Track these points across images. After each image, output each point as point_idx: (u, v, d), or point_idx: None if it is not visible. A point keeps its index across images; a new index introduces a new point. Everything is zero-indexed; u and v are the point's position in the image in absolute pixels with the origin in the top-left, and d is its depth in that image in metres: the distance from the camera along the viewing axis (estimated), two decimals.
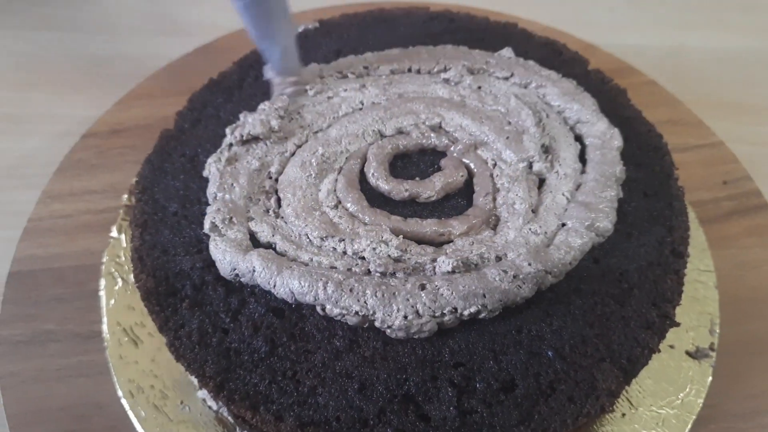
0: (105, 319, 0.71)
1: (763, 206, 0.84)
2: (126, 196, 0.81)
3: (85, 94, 1.06)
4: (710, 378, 0.68)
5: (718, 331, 0.72)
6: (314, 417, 0.53)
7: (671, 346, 0.70)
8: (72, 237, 0.80)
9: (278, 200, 0.64)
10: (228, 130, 0.68)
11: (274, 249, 0.60)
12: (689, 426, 0.65)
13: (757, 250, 0.80)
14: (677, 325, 0.60)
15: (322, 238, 0.60)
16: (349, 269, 0.57)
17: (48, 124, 1.01)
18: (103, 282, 0.74)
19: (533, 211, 0.62)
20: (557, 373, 0.56)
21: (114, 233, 0.78)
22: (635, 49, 1.14)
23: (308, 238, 0.60)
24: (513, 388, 0.55)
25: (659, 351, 0.59)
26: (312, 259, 0.58)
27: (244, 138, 0.66)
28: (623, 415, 0.66)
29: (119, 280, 0.74)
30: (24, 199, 0.86)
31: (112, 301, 0.73)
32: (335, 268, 0.57)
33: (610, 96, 0.78)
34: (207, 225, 0.60)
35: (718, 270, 0.77)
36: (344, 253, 0.59)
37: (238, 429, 0.64)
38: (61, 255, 0.78)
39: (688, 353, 0.70)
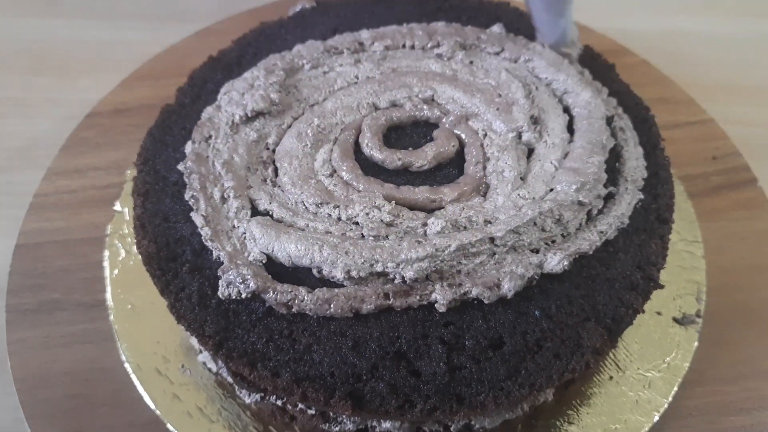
0: (109, 289, 0.74)
1: (752, 180, 0.86)
2: (129, 171, 0.83)
3: (88, 78, 1.08)
4: (696, 343, 0.71)
5: (704, 299, 0.74)
6: (309, 372, 0.55)
7: (658, 313, 0.72)
8: (77, 211, 0.82)
9: (275, 170, 0.66)
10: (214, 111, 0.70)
11: (272, 216, 0.62)
12: (675, 388, 0.67)
13: (744, 222, 0.82)
14: (661, 287, 0.62)
15: (317, 205, 0.62)
16: (344, 234, 0.59)
17: (53, 108, 1.04)
18: (107, 253, 0.77)
19: (522, 179, 0.64)
20: (544, 332, 0.58)
21: (117, 207, 0.81)
22: (629, 33, 1.16)
23: (304, 205, 0.62)
24: (501, 346, 0.57)
25: (643, 311, 0.61)
26: (308, 225, 0.60)
27: (249, 115, 0.68)
28: (611, 377, 0.69)
29: (122, 251, 0.77)
30: (31, 179, 0.88)
31: (116, 272, 0.75)
32: (330, 233, 0.59)
33: (599, 71, 0.79)
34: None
35: (707, 241, 0.79)
36: (339, 219, 0.61)
37: (236, 388, 0.66)
38: (67, 228, 0.81)
39: (675, 319, 0.72)
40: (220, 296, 0.57)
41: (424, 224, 0.60)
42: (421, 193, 0.63)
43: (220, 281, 0.57)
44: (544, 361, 0.57)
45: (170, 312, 0.59)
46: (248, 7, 1.10)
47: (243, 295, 0.56)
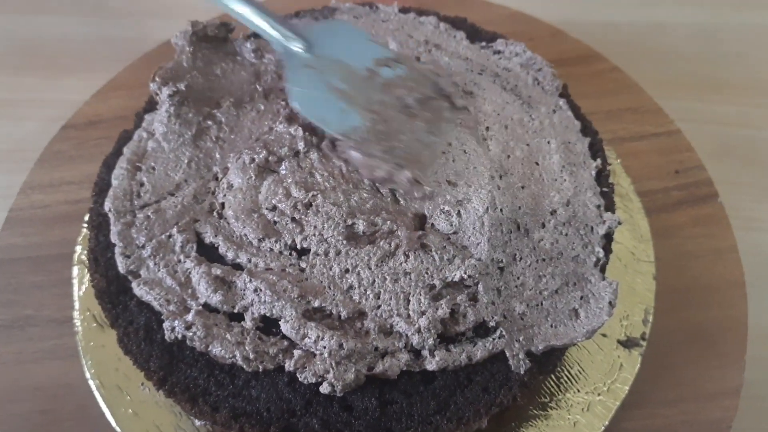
0: (77, 305, 0.77)
1: (713, 196, 0.86)
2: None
3: (76, 77, 1.11)
4: (638, 366, 0.72)
5: (651, 321, 0.75)
6: (246, 408, 0.59)
7: (604, 335, 0.74)
8: (50, 226, 0.85)
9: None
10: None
11: (217, 249, 0.64)
12: (613, 412, 0.70)
13: (701, 239, 0.83)
14: None
15: (259, 240, 0.64)
16: (283, 270, 0.62)
17: (41, 109, 1.06)
18: (75, 270, 0.80)
19: None
20: (474, 366, 0.60)
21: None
22: (613, 25, 1.15)
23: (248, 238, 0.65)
24: (432, 380, 0.60)
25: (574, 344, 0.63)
26: (250, 260, 0.63)
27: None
28: (551, 399, 0.71)
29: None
30: (16, 183, 0.91)
31: (83, 288, 0.78)
32: (270, 269, 0.62)
33: None
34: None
35: (660, 260, 0.80)
36: (281, 252, 0.64)
37: None
38: (40, 244, 0.84)
39: (619, 342, 0.74)
40: (167, 339, 0.60)
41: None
42: None
43: (164, 325, 0.60)
44: (472, 395, 0.60)
45: (119, 345, 0.63)
46: None
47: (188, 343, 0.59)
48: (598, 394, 0.71)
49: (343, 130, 0.67)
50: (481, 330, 0.61)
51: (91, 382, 0.72)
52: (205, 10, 1.11)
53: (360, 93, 0.70)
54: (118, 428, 0.69)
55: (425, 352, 0.59)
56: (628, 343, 0.74)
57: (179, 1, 1.24)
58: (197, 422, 0.67)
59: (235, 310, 0.61)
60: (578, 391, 0.71)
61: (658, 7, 1.19)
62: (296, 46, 0.71)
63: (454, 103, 0.70)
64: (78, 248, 0.81)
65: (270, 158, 0.68)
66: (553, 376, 0.72)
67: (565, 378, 0.72)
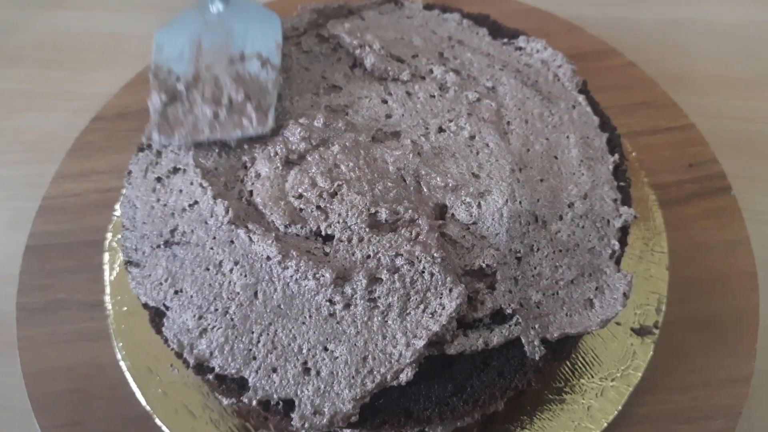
0: (108, 290, 0.81)
1: (726, 188, 0.88)
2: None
3: (102, 71, 1.14)
4: (651, 353, 0.74)
5: (664, 309, 0.77)
6: None
7: (617, 323, 0.76)
8: (81, 214, 0.89)
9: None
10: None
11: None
12: (626, 397, 0.72)
13: (713, 231, 0.85)
14: None
15: (285, 226, 0.67)
16: (309, 251, 0.65)
17: (68, 101, 1.10)
18: (106, 256, 0.83)
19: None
20: (491, 351, 0.63)
21: (117, 211, 0.86)
22: (628, 21, 1.17)
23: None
24: (450, 364, 0.63)
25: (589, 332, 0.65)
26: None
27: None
28: (566, 385, 0.73)
29: (120, 254, 0.83)
30: (46, 172, 0.95)
31: (114, 274, 0.82)
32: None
33: None
34: None
35: (673, 251, 0.82)
36: (306, 237, 0.66)
37: None
38: (72, 231, 0.87)
39: (632, 330, 0.76)
40: None
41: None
42: None
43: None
44: (489, 378, 0.62)
45: (150, 326, 0.66)
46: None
47: None
48: (612, 380, 0.73)
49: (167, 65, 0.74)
50: (498, 317, 0.63)
51: (122, 363, 0.75)
52: None
53: (208, 59, 0.75)
54: (148, 407, 0.72)
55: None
56: (641, 331, 0.76)
57: None
58: (225, 401, 0.70)
59: None
60: (592, 376, 0.73)
61: (672, 3, 1.21)
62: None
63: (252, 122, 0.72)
64: (109, 235, 0.84)
65: (290, 155, 0.70)
66: (568, 362, 0.74)
67: (580, 364, 0.74)
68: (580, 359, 0.74)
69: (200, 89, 0.73)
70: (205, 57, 0.75)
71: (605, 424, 0.70)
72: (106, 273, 0.82)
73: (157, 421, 0.72)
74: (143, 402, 0.73)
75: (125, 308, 0.79)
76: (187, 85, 0.73)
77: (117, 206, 0.87)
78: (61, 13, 1.24)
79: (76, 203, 0.90)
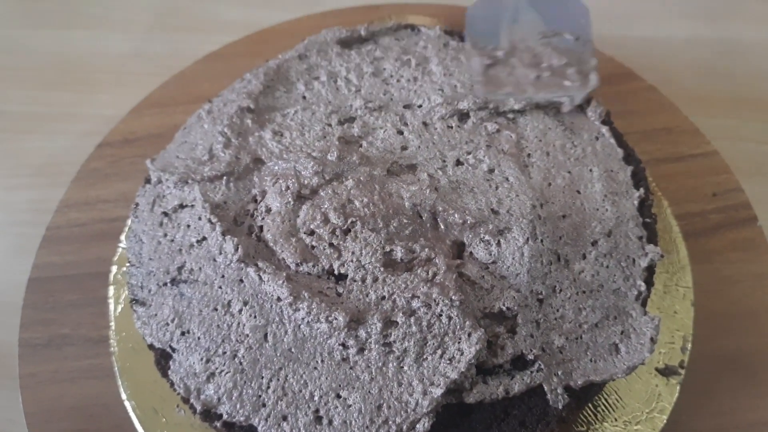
0: (113, 326, 0.78)
1: (751, 219, 0.85)
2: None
3: (109, 93, 1.12)
4: (677, 395, 0.71)
5: (689, 348, 0.74)
6: None
7: (642, 363, 0.73)
8: (86, 245, 0.86)
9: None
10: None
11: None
12: None
13: (739, 264, 0.82)
14: None
15: (297, 264, 0.64)
16: (320, 292, 0.62)
17: (74, 123, 1.08)
18: (111, 289, 0.81)
19: None
20: (512, 399, 0.60)
21: (123, 242, 0.84)
22: (647, 40, 1.14)
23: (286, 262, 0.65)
24: (469, 413, 0.60)
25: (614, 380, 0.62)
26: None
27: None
28: (588, 428, 0.70)
29: (125, 287, 0.80)
30: (52, 197, 0.93)
31: (120, 308, 0.79)
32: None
33: None
34: None
35: (699, 285, 0.78)
36: (318, 276, 0.64)
37: None
38: (76, 262, 0.85)
39: (657, 370, 0.73)
40: None
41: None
42: None
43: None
44: (509, 428, 0.60)
45: (156, 368, 0.63)
46: (263, 24, 1.12)
47: None
48: (636, 424, 0.70)
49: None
50: (519, 362, 0.60)
51: (126, 403, 0.73)
52: (242, 24, 1.13)
53: (522, 34, 0.80)
54: None
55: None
56: (666, 372, 0.73)
57: (212, 17, 1.24)
58: None
59: None
60: (616, 420, 0.70)
61: (691, 22, 1.18)
62: None
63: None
64: (114, 268, 0.82)
65: (302, 190, 0.68)
66: (590, 405, 0.71)
67: (602, 407, 0.71)
68: (603, 401, 0.71)
69: (519, 56, 0.78)
70: (518, 32, 0.80)
71: None
72: (111, 307, 0.79)
73: None
74: None
75: (130, 345, 0.76)
76: (506, 53, 0.78)
77: (122, 237, 0.84)
78: (66, 33, 1.22)
79: (81, 233, 0.87)
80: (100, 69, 1.16)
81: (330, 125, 0.74)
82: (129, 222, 0.84)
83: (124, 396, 0.73)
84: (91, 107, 1.10)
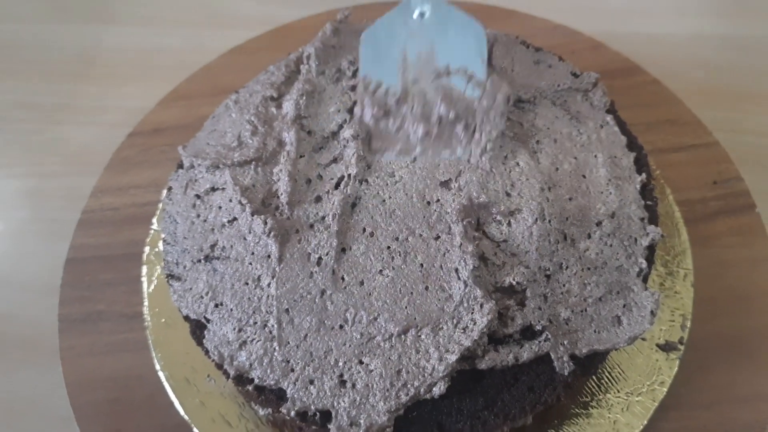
0: (146, 302, 0.83)
1: (750, 206, 0.89)
2: (165, 190, 0.92)
3: (134, 86, 1.17)
4: (676, 369, 0.76)
5: (689, 326, 0.79)
6: None
7: (643, 339, 0.78)
8: (119, 228, 0.92)
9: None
10: None
11: None
12: (651, 412, 0.73)
13: (738, 249, 0.86)
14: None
15: None
16: None
17: (102, 115, 1.13)
18: (144, 269, 0.86)
19: None
20: (521, 366, 0.64)
21: (154, 225, 0.89)
22: (652, 37, 1.18)
23: None
24: (481, 378, 0.64)
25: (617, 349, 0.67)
26: None
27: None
28: (592, 399, 0.75)
29: (158, 267, 0.85)
30: (84, 185, 0.98)
31: (152, 286, 0.84)
32: None
33: None
34: None
35: (698, 268, 0.83)
36: None
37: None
38: (110, 244, 0.90)
39: (658, 346, 0.78)
40: None
41: None
42: None
43: None
44: (519, 393, 0.64)
45: (192, 337, 0.68)
46: (285, 20, 1.17)
47: None
48: (638, 395, 0.74)
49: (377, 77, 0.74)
50: (528, 333, 0.65)
51: (160, 374, 0.78)
52: (261, 20, 1.18)
53: (414, 71, 0.74)
54: (186, 417, 0.75)
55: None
56: (666, 347, 0.77)
57: (234, 12, 1.30)
58: (261, 411, 0.72)
59: None
60: (618, 391, 0.75)
61: (696, 19, 1.22)
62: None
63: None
64: (146, 248, 0.87)
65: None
66: (594, 377, 0.76)
67: (606, 379, 0.76)
68: (606, 374, 0.76)
69: (409, 104, 0.74)
70: (410, 69, 0.74)
71: None
72: (144, 285, 0.84)
73: (195, 431, 0.74)
74: (182, 412, 0.75)
75: (163, 320, 0.81)
76: (397, 99, 0.74)
77: (154, 220, 0.89)
78: (94, 28, 1.27)
79: (114, 217, 0.93)
80: (125, 63, 1.22)
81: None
82: (160, 206, 0.90)
83: (158, 367, 0.78)
84: (118, 100, 1.15)
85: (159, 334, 0.80)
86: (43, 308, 0.88)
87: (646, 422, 0.73)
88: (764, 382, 0.76)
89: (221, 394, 0.76)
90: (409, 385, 0.61)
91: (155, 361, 0.79)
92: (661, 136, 0.95)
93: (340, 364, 0.63)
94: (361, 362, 0.63)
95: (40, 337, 0.87)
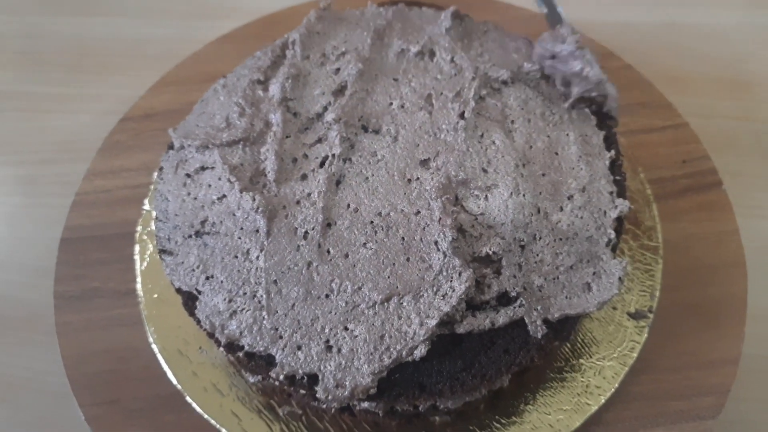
0: (139, 279, 0.86)
1: (717, 183, 0.93)
2: (156, 172, 0.95)
3: (125, 75, 1.20)
4: (645, 336, 0.80)
5: (657, 295, 0.83)
6: None
7: (614, 308, 0.82)
8: (112, 209, 0.95)
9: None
10: None
11: None
12: (622, 376, 0.77)
13: (705, 223, 0.91)
14: None
15: None
16: None
17: (94, 103, 1.16)
18: (137, 248, 0.89)
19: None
20: (497, 330, 0.68)
21: (146, 206, 0.92)
22: (628, 25, 1.23)
23: None
24: (460, 342, 0.68)
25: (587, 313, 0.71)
26: None
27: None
28: (566, 363, 0.79)
29: (150, 246, 0.89)
30: (75, 171, 1.02)
31: (145, 264, 0.87)
32: None
33: None
34: None
35: (667, 241, 0.87)
36: None
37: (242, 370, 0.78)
38: (104, 224, 0.93)
39: (628, 314, 0.82)
40: None
41: None
42: None
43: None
44: (495, 355, 0.68)
45: (184, 308, 0.72)
46: (272, 11, 1.20)
47: None
48: (609, 360, 0.79)
49: None
50: (504, 299, 0.68)
51: (153, 346, 0.81)
52: (248, 11, 1.21)
53: None
54: (179, 386, 0.78)
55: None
56: (636, 315, 0.81)
57: (222, 3, 1.32)
58: (251, 379, 0.76)
59: None
60: (591, 356, 0.79)
61: (670, 8, 1.26)
62: None
63: None
64: (139, 228, 0.90)
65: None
66: (568, 344, 0.80)
67: (579, 345, 0.80)
68: (580, 341, 0.80)
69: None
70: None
71: (603, 401, 0.76)
72: (137, 263, 0.88)
73: (188, 399, 0.77)
74: (174, 382, 0.79)
75: (155, 295, 0.84)
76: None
77: (146, 201, 0.92)
78: (84, 20, 1.29)
79: (107, 198, 0.96)
80: (116, 53, 1.24)
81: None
82: (152, 188, 0.93)
83: (151, 340, 0.82)
84: (109, 88, 1.18)
85: (152, 309, 0.84)
86: (39, 289, 0.91)
87: (617, 385, 0.77)
88: (728, 347, 0.81)
89: (212, 365, 0.80)
90: (391, 349, 0.65)
91: (148, 334, 0.82)
92: (633, 118, 0.99)
93: (326, 330, 0.67)
94: (346, 328, 0.67)
95: (36, 317, 0.90)
